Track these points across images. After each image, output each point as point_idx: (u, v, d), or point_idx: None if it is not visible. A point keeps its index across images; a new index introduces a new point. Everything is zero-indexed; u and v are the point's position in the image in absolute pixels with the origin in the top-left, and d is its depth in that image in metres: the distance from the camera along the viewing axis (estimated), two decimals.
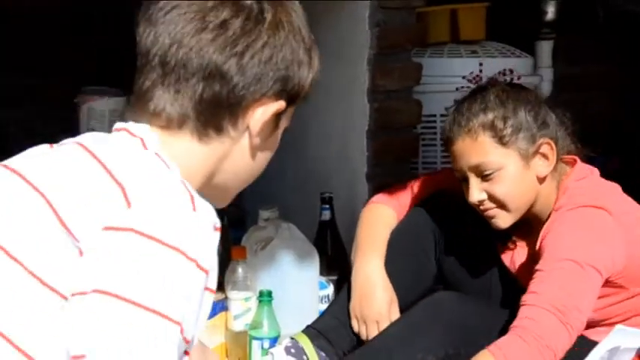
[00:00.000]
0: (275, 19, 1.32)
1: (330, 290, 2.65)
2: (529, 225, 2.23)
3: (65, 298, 1.17)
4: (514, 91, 2.22)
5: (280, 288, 2.56)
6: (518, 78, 3.36)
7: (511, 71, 3.30)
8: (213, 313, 2.59)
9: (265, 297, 2.50)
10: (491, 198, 2.16)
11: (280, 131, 1.37)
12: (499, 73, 3.25)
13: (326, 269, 2.77)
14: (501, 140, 2.13)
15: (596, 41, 4.13)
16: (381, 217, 2.41)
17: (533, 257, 2.17)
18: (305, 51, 1.35)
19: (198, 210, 1.19)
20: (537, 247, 2.13)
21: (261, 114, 1.31)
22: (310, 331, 2.29)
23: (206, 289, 1.19)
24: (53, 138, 1.47)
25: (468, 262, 2.35)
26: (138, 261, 1.14)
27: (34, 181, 1.24)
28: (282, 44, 1.32)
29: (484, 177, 2.15)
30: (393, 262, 2.33)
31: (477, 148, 2.14)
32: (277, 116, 1.34)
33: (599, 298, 2.01)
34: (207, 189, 1.33)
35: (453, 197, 2.35)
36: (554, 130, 2.17)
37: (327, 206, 2.83)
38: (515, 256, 2.29)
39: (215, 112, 1.30)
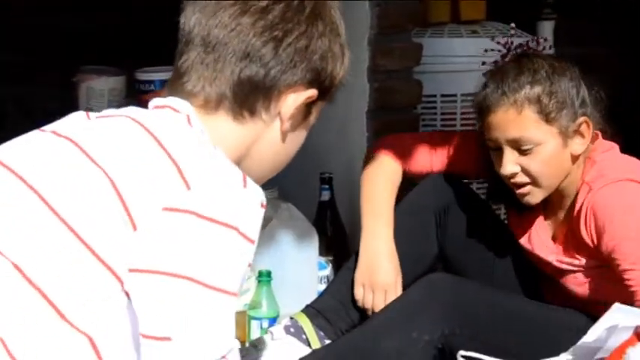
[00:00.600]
0: (314, 11, 1.37)
1: (329, 271, 2.66)
2: (550, 199, 2.22)
3: (116, 274, 1.21)
4: (560, 66, 2.18)
5: (279, 268, 2.56)
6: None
7: (528, 46, 3.26)
8: None
9: (264, 277, 2.50)
10: (525, 172, 2.14)
11: (307, 125, 1.41)
12: (520, 45, 3.22)
13: (325, 249, 2.77)
14: (546, 116, 2.11)
15: (599, 23, 4.12)
16: (386, 175, 2.38)
17: (563, 230, 2.19)
18: (340, 46, 1.40)
19: (248, 187, 1.24)
20: (580, 223, 2.12)
21: (293, 100, 1.35)
22: (309, 310, 2.29)
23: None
24: (52, 117, 1.47)
25: (471, 243, 2.34)
26: (201, 242, 1.19)
27: (93, 154, 1.27)
28: (320, 36, 1.37)
29: (521, 150, 2.13)
30: (393, 242, 2.32)
31: (520, 121, 2.11)
32: (308, 107, 1.38)
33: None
34: None
35: (459, 177, 2.35)
36: (591, 108, 2.16)
37: (327, 186, 2.83)
38: (533, 234, 2.27)
39: (250, 94, 1.34)
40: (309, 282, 2.64)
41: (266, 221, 2.65)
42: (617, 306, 1.65)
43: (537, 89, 2.12)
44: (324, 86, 1.39)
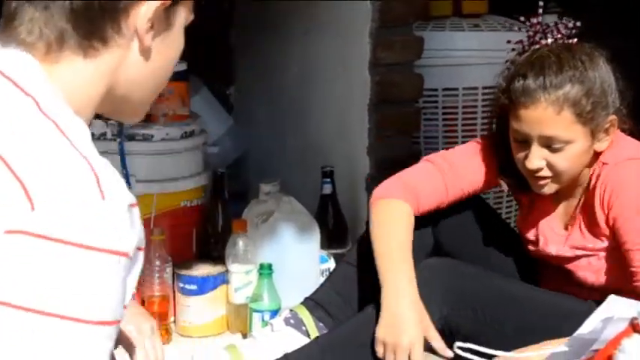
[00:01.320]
0: None
1: (330, 264, 2.66)
2: (562, 187, 2.21)
3: None
4: (597, 60, 2.14)
5: (281, 261, 2.57)
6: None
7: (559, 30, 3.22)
8: (214, 286, 2.60)
9: (266, 270, 2.51)
10: (550, 167, 2.12)
11: (177, 29, 1.23)
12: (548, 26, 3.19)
13: (327, 243, 2.78)
14: (581, 118, 2.09)
15: (602, 18, 4.11)
16: (398, 222, 2.24)
17: (577, 214, 2.20)
18: None
19: (107, 195, 1.07)
20: (596, 198, 2.14)
21: (144, 12, 1.18)
22: (309, 302, 2.30)
23: (139, 249, 1.11)
24: None
25: (466, 233, 2.35)
26: (52, 267, 1.04)
27: None
28: None
29: (551, 148, 2.11)
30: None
31: (557, 121, 2.08)
32: (167, 12, 1.21)
33: None
34: (112, 105, 1.23)
35: None
36: (620, 104, 2.15)
37: (328, 180, 2.84)
38: (544, 224, 2.27)
39: (93, 22, 1.17)
40: (311, 275, 2.65)
41: (268, 214, 2.66)
42: (612, 297, 1.66)
43: (577, 89, 2.08)
44: None
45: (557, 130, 2.09)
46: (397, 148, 2.98)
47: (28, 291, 1.03)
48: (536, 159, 2.11)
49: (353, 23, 2.94)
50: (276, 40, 3.27)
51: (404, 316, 2.09)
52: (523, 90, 2.10)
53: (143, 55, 1.20)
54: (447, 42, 3.31)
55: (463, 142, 3.33)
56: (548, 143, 2.11)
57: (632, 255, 2.07)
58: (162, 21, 1.21)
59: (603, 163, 2.16)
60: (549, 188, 2.17)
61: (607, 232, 2.15)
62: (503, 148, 2.22)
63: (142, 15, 1.18)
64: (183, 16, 1.24)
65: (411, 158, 3.04)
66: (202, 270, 2.61)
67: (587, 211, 2.18)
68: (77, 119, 1.16)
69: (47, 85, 1.16)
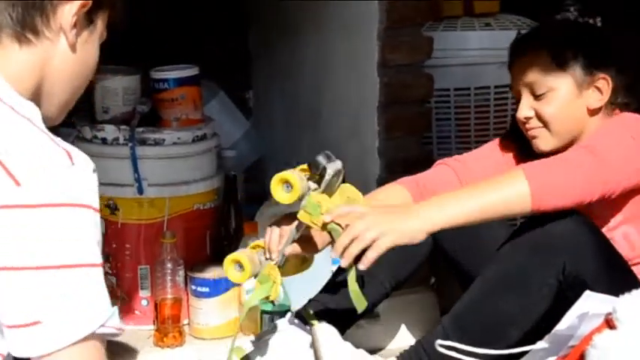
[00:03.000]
0: None
1: None
2: None
3: None
4: (581, 26, 2.44)
5: None
6: None
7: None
8: (226, 289, 2.62)
9: None
10: (538, 117, 2.26)
11: (97, 35, 1.42)
12: None
13: None
14: (559, 62, 2.23)
15: (624, 14, 4.08)
16: (386, 193, 2.35)
17: None
18: None
19: (76, 162, 1.27)
20: None
21: (68, 10, 1.37)
22: (312, 303, 2.32)
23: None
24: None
25: (466, 231, 2.33)
26: (42, 227, 1.24)
27: None
28: None
29: (536, 96, 2.25)
30: None
31: (536, 65, 2.25)
32: (89, 17, 1.40)
33: None
34: (39, 99, 1.38)
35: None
36: (613, 71, 2.25)
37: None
38: None
39: (27, 14, 1.35)
40: (323, 277, 2.65)
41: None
42: (587, 294, 1.66)
43: (555, 39, 2.27)
44: None
45: (535, 75, 2.24)
46: (407, 148, 2.98)
47: (39, 252, 1.23)
48: (525, 108, 2.27)
49: (360, 25, 2.95)
50: (290, 42, 3.29)
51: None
52: (511, 48, 2.34)
53: (70, 50, 1.38)
54: (458, 42, 3.32)
55: (476, 142, 3.35)
56: (533, 91, 2.26)
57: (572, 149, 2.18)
58: (84, 24, 1.40)
59: None
60: (543, 141, 2.27)
61: (611, 203, 2.17)
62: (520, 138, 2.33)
63: (66, 12, 1.37)
64: (100, 29, 1.43)
65: (421, 159, 3.05)
66: (215, 272, 2.63)
67: None
68: (28, 102, 1.34)
69: None
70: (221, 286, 2.62)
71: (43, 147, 1.27)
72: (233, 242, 2.74)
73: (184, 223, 2.73)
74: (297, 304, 2.48)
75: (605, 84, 2.24)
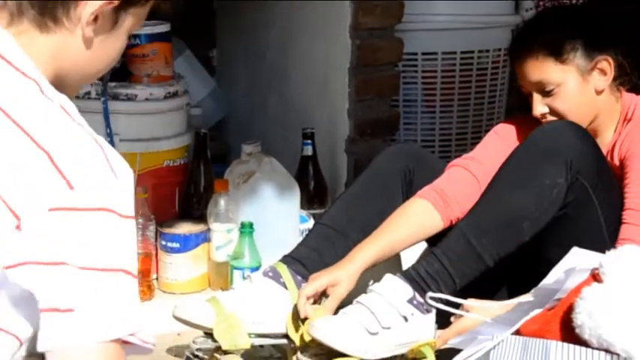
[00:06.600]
0: None
1: (310, 224, 2.69)
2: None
3: None
4: (571, 12, 2.48)
5: (261, 220, 2.61)
6: None
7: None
8: (196, 244, 2.65)
9: (247, 228, 2.55)
10: (553, 112, 2.31)
11: (121, 33, 1.39)
12: None
13: (307, 203, 2.82)
14: (559, 59, 2.28)
15: None
16: (410, 210, 2.31)
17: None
18: None
19: (115, 169, 1.27)
20: (614, 156, 2.28)
21: (90, 6, 1.34)
22: (286, 259, 2.34)
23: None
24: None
25: None
26: (89, 230, 1.25)
27: None
28: None
29: (546, 93, 2.30)
30: (357, 207, 2.36)
31: (538, 66, 2.29)
32: (115, 13, 1.37)
33: None
34: (57, 83, 1.37)
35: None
36: (611, 50, 2.30)
37: (309, 141, 2.88)
38: None
39: (48, 1, 1.34)
40: (291, 234, 2.69)
41: (249, 174, 2.70)
42: (574, 250, 1.73)
43: (550, 35, 2.29)
44: None
45: (541, 74, 2.29)
46: (376, 111, 3.02)
47: (88, 254, 1.24)
48: (539, 106, 2.31)
49: None
50: (257, 2, 3.29)
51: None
52: (510, 51, 2.40)
53: (85, 44, 1.36)
54: (427, 7, 3.35)
55: (441, 106, 3.41)
56: (542, 89, 2.30)
57: (629, 188, 2.20)
58: (108, 20, 1.37)
59: (626, 119, 2.31)
60: None
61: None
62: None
63: (87, 7, 1.34)
64: (130, 24, 1.39)
65: (390, 121, 3.10)
66: (184, 228, 2.65)
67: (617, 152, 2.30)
68: (63, 96, 1.33)
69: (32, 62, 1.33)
70: (191, 242, 2.64)
71: (90, 150, 1.27)
72: (202, 199, 2.77)
73: (155, 179, 2.75)
74: (266, 261, 2.51)
75: (606, 64, 2.30)
